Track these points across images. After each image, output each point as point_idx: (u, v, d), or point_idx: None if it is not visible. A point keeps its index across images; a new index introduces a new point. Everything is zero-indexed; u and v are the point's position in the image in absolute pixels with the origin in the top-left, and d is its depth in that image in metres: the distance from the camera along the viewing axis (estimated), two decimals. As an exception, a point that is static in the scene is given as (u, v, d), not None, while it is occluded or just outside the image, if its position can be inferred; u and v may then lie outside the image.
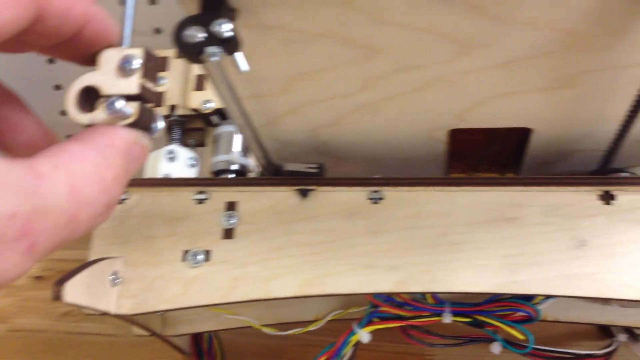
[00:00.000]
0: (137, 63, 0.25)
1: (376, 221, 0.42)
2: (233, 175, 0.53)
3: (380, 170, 0.48)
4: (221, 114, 0.56)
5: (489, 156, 0.47)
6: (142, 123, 0.24)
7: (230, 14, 0.29)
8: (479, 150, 0.47)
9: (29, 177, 0.19)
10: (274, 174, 0.47)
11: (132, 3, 0.27)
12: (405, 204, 0.42)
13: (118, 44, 0.26)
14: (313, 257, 0.42)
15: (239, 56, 0.30)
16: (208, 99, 0.56)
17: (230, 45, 0.29)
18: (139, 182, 0.45)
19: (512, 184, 0.42)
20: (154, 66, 0.25)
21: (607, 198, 0.41)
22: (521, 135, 0.43)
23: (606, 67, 0.34)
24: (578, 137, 0.41)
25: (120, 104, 0.24)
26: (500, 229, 0.41)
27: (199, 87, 0.56)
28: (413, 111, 0.39)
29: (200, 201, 0.44)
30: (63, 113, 0.81)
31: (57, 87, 0.80)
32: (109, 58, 0.25)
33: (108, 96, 0.24)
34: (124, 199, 0.45)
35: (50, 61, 0.78)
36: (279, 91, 0.37)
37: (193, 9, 0.29)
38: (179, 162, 0.54)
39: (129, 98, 0.24)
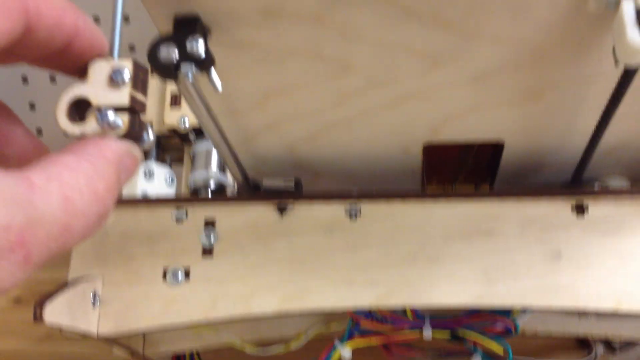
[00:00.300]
0: (127, 75, 0.25)
1: (355, 236, 0.42)
2: (211, 193, 0.54)
3: (357, 185, 0.48)
4: (198, 131, 0.56)
5: (464, 170, 0.48)
6: (133, 134, 0.25)
7: (203, 33, 0.30)
8: (454, 164, 0.47)
9: (22, 188, 0.19)
10: (251, 191, 0.47)
11: (120, 15, 0.28)
12: (383, 218, 0.43)
13: (107, 55, 0.26)
14: (293, 273, 0.42)
15: (213, 74, 0.30)
16: (184, 116, 0.56)
17: (204, 63, 0.29)
18: (116, 202, 0.45)
19: (487, 197, 0.42)
20: (142, 77, 0.26)
21: (581, 209, 0.41)
22: (494, 148, 0.43)
23: (573, 80, 0.34)
24: (549, 149, 0.42)
25: (111, 115, 0.24)
26: (477, 242, 0.42)
27: (175, 104, 0.56)
28: (387, 126, 0.39)
29: (179, 219, 0.44)
30: (39, 131, 0.81)
31: (32, 106, 0.81)
32: (99, 69, 0.25)
33: (98, 107, 0.24)
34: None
35: (25, 80, 0.78)
36: (254, 108, 0.38)
37: (167, 27, 0.29)
38: (156, 180, 0.55)
39: (118, 109, 0.25)
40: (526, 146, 0.42)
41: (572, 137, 0.40)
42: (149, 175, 0.54)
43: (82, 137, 0.24)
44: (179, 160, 0.59)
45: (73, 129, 0.24)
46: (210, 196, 0.53)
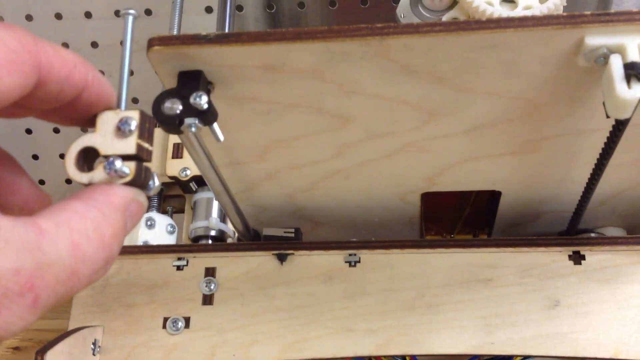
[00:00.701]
0: (134, 125, 0.26)
1: (354, 284, 0.43)
2: (211, 241, 0.54)
3: (356, 234, 0.49)
4: (199, 181, 0.57)
5: (462, 219, 0.48)
6: (139, 181, 0.25)
7: (206, 87, 0.31)
8: (452, 212, 0.48)
9: (32, 234, 0.20)
10: (251, 239, 0.47)
11: (127, 68, 0.28)
12: (382, 266, 0.43)
13: (115, 106, 0.27)
14: (292, 322, 0.42)
15: (216, 127, 0.31)
16: (186, 167, 0.57)
17: (207, 116, 0.30)
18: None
19: (485, 246, 0.43)
20: (149, 127, 0.26)
21: (578, 258, 0.42)
22: (491, 197, 0.44)
23: (566, 132, 0.35)
24: (545, 199, 0.43)
25: (118, 164, 0.25)
26: (475, 290, 0.42)
27: (177, 155, 0.57)
28: (385, 176, 0.40)
29: (180, 268, 0.45)
30: (42, 182, 0.82)
31: (35, 157, 0.82)
32: (107, 120, 0.26)
33: (106, 156, 0.25)
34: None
35: (28, 132, 0.79)
36: (255, 159, 0.38)
37: (171, 82, 0.30)
38: (157, 229, 0.55)
39: (126, 158, 0.25)
40: (522, 195, 0.42)
41: (568, 186, 0.41)
42: (151, 224, 0.55)
43: (90, 186, 0.25)
44: (180, 210, 0.60)
45: (81, 177, 0.25)
46: (210, 245, 0.54)
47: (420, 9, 0.46)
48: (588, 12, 0.27)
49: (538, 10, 0.42)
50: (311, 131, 0.36)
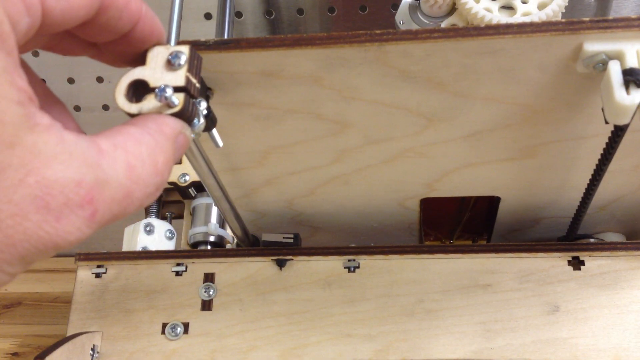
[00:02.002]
0: (184, 58, 0.26)
1: (353, 290, 0.43)
2: (210, 247, 0.54)
3: (355, 239, 0.49)
4: (198, 186, 0.57)
5: (461, 224, 0.48)
6: (186, 114, 0.26)
7: (205, 93, 0.31)
8: (451, 218, 0.48)
9: (93, 151, 0.21)
10: (250, 245, 0.47)
11: (178, 5, 0.28)
12: (381, 272, 0.43)
13: (164, 41, 0.27)
14: (291, 327, 0.42)
15: (215, 132, 0.31)
16: (185, 172, 0.57)
17: (206, 122, 0.30)
18: (116, 256, 0.46)
19: (485, 251, 0.43)
20: (197, 64, 0.27)
21: (577, 264, 0.42)
22: (490, 203, 0.44)
23: (565, 138, 0.35)
24: (544, 204, 0.43)
25: (169, 91, 0.25)
26: (475, 296, 0.42)
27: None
28: (384, 182, 0.40)
29: (179, 273, 0.44)
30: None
31: (77, 108, 0.82)
32: (157, 54, 0.26)
33: (154, 89, 0.25)
34: (102, 273, 0.45)
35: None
36: (254, 164, 0.38)
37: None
38: (156, 234, 0.55)
39: (176, 90, 0.25)
40: (522, 201, 0.42)
41: (567, 192, 0.41)
42: (150, 230, 0.55)
43: (141, 115, 0.25)
44: (179, 216, 0.60)
45: (130, 107, 0.25)
46: (209, 251, 0.54)
47: (419, 15, 0.46)
48: (586, 19, 0.27)
49: (537, 16, 0.42)
50: (310, 137, 0.36)
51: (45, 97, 0.26)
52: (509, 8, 0.43)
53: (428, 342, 0.41)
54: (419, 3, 0.46)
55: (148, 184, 0.22)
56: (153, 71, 0.26)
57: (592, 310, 0.41)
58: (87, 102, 0.81)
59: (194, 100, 0.26)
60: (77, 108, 0.82)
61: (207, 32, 0.72)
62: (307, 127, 0.35)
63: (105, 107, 0.80)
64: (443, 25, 0.45)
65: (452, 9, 0.45)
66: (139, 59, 0.27)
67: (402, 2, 0.47)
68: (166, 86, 0.25)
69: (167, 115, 0.25)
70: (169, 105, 0.25)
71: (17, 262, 0.19)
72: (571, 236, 0.44)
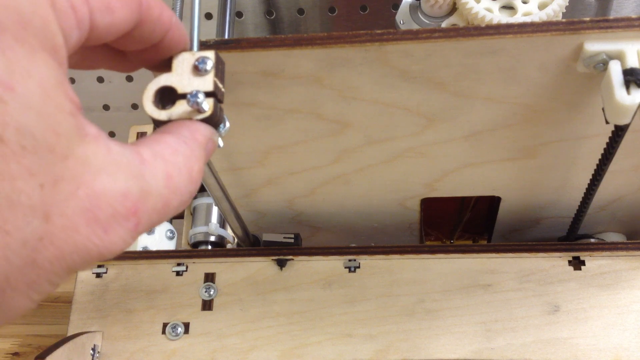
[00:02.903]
0: (210, 64, 0.26)
1: (353, 290, 0.43)
2: (211, 247, 0.54)
3: (356, 239, 0.49)
4: (199, 185, 0.57)
5: (461, 224, 0.48)
6: (215, 119, 0.26)
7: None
8: (452, 218, 0.48)
9: (136, 161, 0.21)
10: (251, 245, 0.47)
11: (198, 12, 0.28)
12: (382, 272, 0.43)
13: (190, 49, 0.27)
14: (292, 327, 0.42)
15: (215, 132, 0.31)
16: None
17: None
18: (117, 256, 0.46)
19: (485, 251, 0.43)
20: (222, 68, 0.27)
21: (577, 264, 0.42)
22: (491, 203, 0.44)
23: (566, 138, 0.35)
24: (544, 204, 0.43)
25: (201, 96, 0.25)
26: (475, 296, 0.42)
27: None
28: (384, 181, 0.40)
29: (179, 273, 0.44)
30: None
31: (106, 107, 0.81)
32: (183, 60, 0.26)
33: (183, 95, 0.26)
34: (102, 273, 0.45)
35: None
36: (255, 164, 0.38)
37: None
38: (157, 234, 0.55)
39: (205, 95, 0.26)
40: (522, 201, 0.42)
41: (567, 192, 0.41)
42: (150, 230, 0.54)
43: (174, 121, 0.25)
44: (180, 216, 0.60)
45: (160, 114, 0.25)
46: (210, 250, 0.54)
47: (420, 15, 0.46)
48: (587, 19, 0.27)
49: (537, 16, 0.42)
50: (310, 137, 0.36)
51: None
52: (509, 8, 0.43)
53: (428, 342, 0.41)
54: (420, 3, 0.46)
55: (184, 192, 0.23)
56: (180, 77, 0.26)
57: (592, 310, 0.41)
58: (87, 102, 0.81)
59: (220, 105, 0.26)
60: (78, 108, 0.82)
61: (207, 32, 0.72)
62: (307, 127, 0.35)
63: (106, 107, 0.80)
64: (444, 25, 0.45)
65: (453, 9, 0.45)
66: (164, 65, 0.27)
67: (403, 2, 0.47)
68: (198, 92, 0.25)
69: (198, 121, 0.25)
70: (199, 110, 0.25)
71: (64, 272, 0.19)
72: (572, 236, 0.44)
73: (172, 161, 0.22)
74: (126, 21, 0.22)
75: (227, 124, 0.27)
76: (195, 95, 0.25)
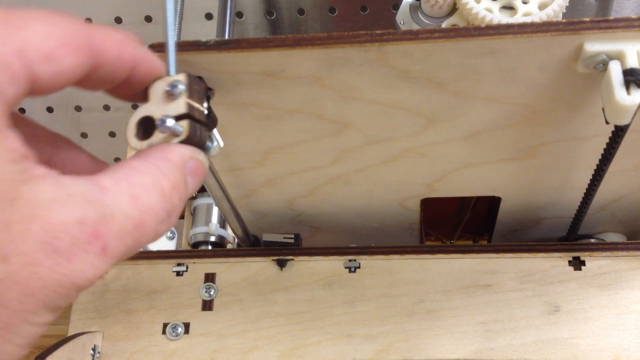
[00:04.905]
0: (181, 86, 0.26)
1: (353, 290, 0.43)
2: (211, 247, 0.54)
3: (356, 239, 0.49)
4: (199, 185, 0.57)
5: (461, 224, 0.49)
6: (195, 139, 0.26)
7: (206, 93, 0.31)
8: (452, 218, 0.48)
9: (93, 189, 0.21)
10: (251, 245, 0.48)
11: (173, 38, 0.28)
12: (382, 272, 0.43)
13: (164, 74, 0.27)
14: (292, 327, 0.42)
15: (215, 133, 0.31)
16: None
17: (207, 123, 0.30)
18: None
19: (485, 251, 0.43)
20: (198, 88, 0.27)
21: (577, 264, 0.42)
22: (491, 203, 0.44)
23: (566, 138, 0.35)
24: (544, 204, 0.43)
25: (170, 121, 0.25)
26: (475, 296, 0.42)
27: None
28: (384, 181, 0.40)
29: (179, 273, 0.44)
30: None
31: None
32: (157, 88, 0.27)
33: (159, 118, 0.26)
34: (103, 273, 0.45)
35: (78, 109, 0.80)
36: (255, 164, 0.39)
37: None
38: (158, 234, 0.55)
39: (179, 118, 0.26)
40: (522, 201, 0.42)
41: (567, 192, 0.41)
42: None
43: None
44: (180, 216, 0.60)
45: (142, 144, 0.26)
46: (210, 251, 0.54)
47: (420, 15, 0.46)
48: (587, 19, 0.27)
49: (537, 17, 0.42)
50: (310, 137, 0.36)
51: (52, 143, 0.26)
52: (509, 8, 0.43)
53: (428, 342, 0.41)
54: (420, 3, 0.46)
55: (158, 211, 0.23)
56: (156, 105, 0.26)
57: (592, 311, 0.41)
58: (87, 103, 0.81)
59: (201, 124, 0.26)
60: (77, 108, 0.82)
61: (208, 32, 0.73)
62: (307, 127, 0.35)
63: (106, 107, 0.80)
64: (444, 25, 0.45)
65: (453, 9, 0.45)
66: (143, 95, 0.27)
67: (403, 2, 0.47)
68: (166, 117, 0.25)
69: (173, 143, 0.25)
70: (175, 134, 0.25)
71: (42, 310, 0.19)
72: (572, 236, 0.44)
73: (137, 183, 0.22)
74: (74, 68, 0.22)
75: (217, 142, 0.27)
76: (163, 120, 0.25)
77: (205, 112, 0.27)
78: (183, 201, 0.24)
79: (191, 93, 0.26)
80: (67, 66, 0.22)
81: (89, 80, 0.24)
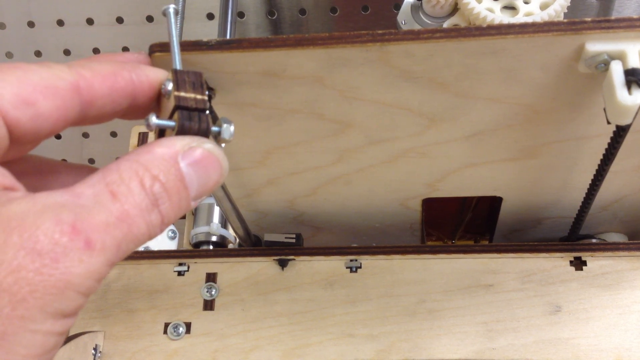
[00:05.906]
0: (169, 84, 0.26)
1: (355, 290, 0.43)
2: (212, 247, 0.54)
3: (357, 239, 0.49)
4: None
5: (463, 224, 0.48)
6: (192, 127, 0.25)
7: (207, 93, 0.31)
8: (453, 218, 0.48)
9: (66, 196, 0.21)
10: (252, 245, 0.48)
11: (178, 60, 0.28)
12: (383, 272, 0.43)
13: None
14: (293, 327, 0.42)
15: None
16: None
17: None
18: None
19: (487, 251, 0.43)
20: (187, 79, 0.26)
21: (579, 264, 0.42)
22: (492, 203, 0.44)
23: (567, 138, 0.35)
24: (546, 204, 0.43)
25: (153, 119, 0.25)
26: (477, 296, 0.42)
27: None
28: (386, 182, 0.40)
29: (181, 273, 0.45)
30: None
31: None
32: (160, 97, 0.27)
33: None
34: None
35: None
36: (256, 164, 0.39)
37: (172, 88, 0.30)
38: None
39: (173, 114, 0.25)
40: (524, 201, 0.42)
41: (569, 192, 0.41)
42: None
43: None
44: (181, 217, 0.60)
45: None
46: (211, 250, 0.54)
47: (421, 15, 0.46)
48: (589, 19, 0.27)
49: (539, 16, 0.42)
50: (312, 137, 0.36)
51: (40, 171, 0.27)
52: (511, 8, 0.43)
53: (430, 342, 0.41)
54: (421, 3, 0.46)
55: (141, 204, 0.22)
56: (163, 113, 0.26)
57: (594, 311, 0.41)
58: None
59: (199, 111, 0.25)
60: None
61: (209, 32, 0.73)
62: (308, 127, 0.35)
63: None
64: (445, 25, 0.45)
65: (454, 9, 0.45)
66: (158, 107, 0.27)
67: (404, 2, 0.47)
68: (150, 116, 0.25)
69: (165, 137, 0.25)
70: (170, 129, 0.25)
71: (39, 315, 0.19)
72: (573, 236, 0.44)
73: (114, 180, 0.22)
74: (56, 109, 0.22)
75: (226, 124, 0.26)
76: (147, 120, 0.25)
77: (203, 97, 0.26)
78: (176, 193, 0.23)
79: (179, 85, 0.26)
80: (47, 108, 0.22)
81: (88, 117, 0.24)
